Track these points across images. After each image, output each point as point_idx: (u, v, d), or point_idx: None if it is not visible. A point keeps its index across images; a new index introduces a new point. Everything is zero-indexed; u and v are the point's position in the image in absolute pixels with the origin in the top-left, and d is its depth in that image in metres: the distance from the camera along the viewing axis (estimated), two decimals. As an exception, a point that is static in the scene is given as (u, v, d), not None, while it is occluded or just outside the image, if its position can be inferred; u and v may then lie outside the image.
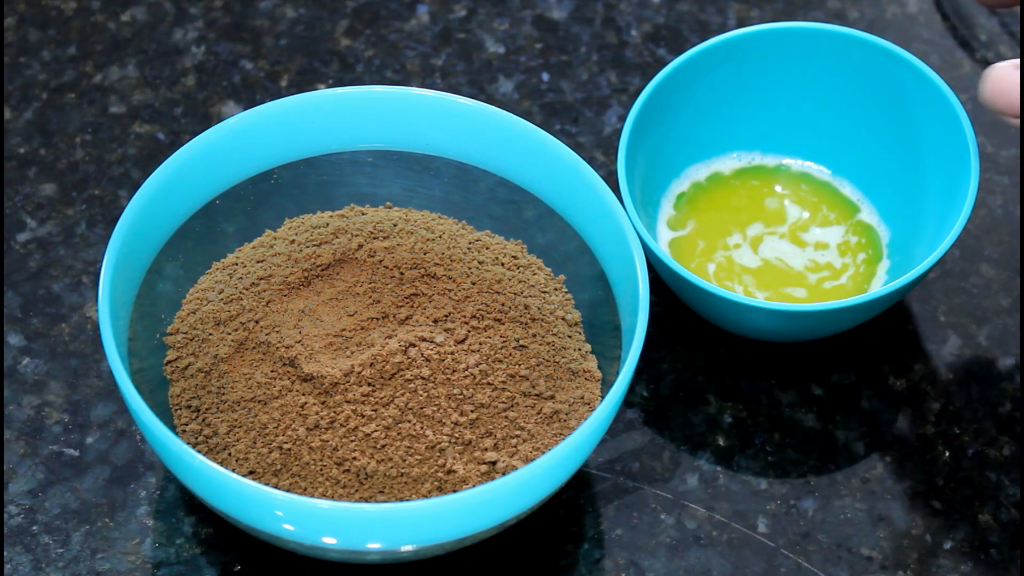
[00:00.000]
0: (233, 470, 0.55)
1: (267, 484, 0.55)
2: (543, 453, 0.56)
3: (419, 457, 0.55)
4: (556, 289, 0.61)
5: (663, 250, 0.61)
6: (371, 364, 0.56)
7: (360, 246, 0.60)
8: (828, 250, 0.65)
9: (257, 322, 0.58)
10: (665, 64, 0.65)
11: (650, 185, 0.65)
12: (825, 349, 0.65)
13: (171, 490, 0.60)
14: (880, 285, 0.64)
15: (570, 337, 0.60)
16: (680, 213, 0.66)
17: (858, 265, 0.65)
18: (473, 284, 0.59)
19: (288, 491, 0.55)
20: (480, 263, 0.60)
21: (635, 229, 0.58)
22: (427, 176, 0.63)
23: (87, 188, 0.68)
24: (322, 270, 0.60)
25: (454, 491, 0.55)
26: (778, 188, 0.67)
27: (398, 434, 0.55)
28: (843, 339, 0.65)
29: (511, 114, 0.61)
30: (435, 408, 0.56)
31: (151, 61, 0.73)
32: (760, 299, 0.62)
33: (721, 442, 0.62)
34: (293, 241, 0.61)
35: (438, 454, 0.55)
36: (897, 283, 0.59)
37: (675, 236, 0.66)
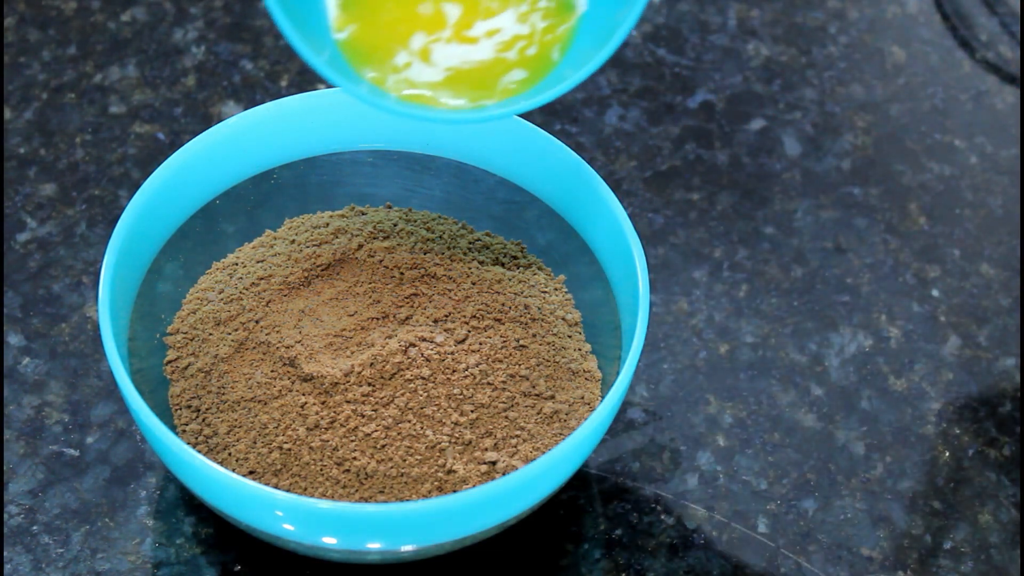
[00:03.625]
0: (233, 470, 0.55)
1: (267, 484, 0.55)
2: (543, 453, 0.56)
3: (419, 457, 0.55)
4: (556, 289, 0.61)
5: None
6: (371, 364, 0.56)
7: (360, 246, 0.60)
8: (504, 31, 0.56)
9: (257, 322, 0.58)
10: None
11: None
12: (824, 349, 0.65)
13: (171, 490, 0.60)
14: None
15: (570, 337, 0.60)
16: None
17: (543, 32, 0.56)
18: (473, 284, 0.59)
19: (288, 491, 0.55)
20: (480, 263, 0.60)
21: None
22: (427, 176, 0.63)
23: (87, 188, 0.68)
24: (322, 270, 0.60)
25: (454, 491, 0.55)
26: None
27: (398, 434, 0.55)
28: (843, 338, 0.65)
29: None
30: (435, 408, 0.56)
31: (151, 61, 0.73)
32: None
33: (721, 442, 0.62)
34: (293, 241, 0.61)
35: (438, 454, 0.55)
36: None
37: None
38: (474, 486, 0.54)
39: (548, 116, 0.71)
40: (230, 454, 0.56)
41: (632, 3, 0.53)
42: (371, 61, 0.55)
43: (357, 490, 0.55)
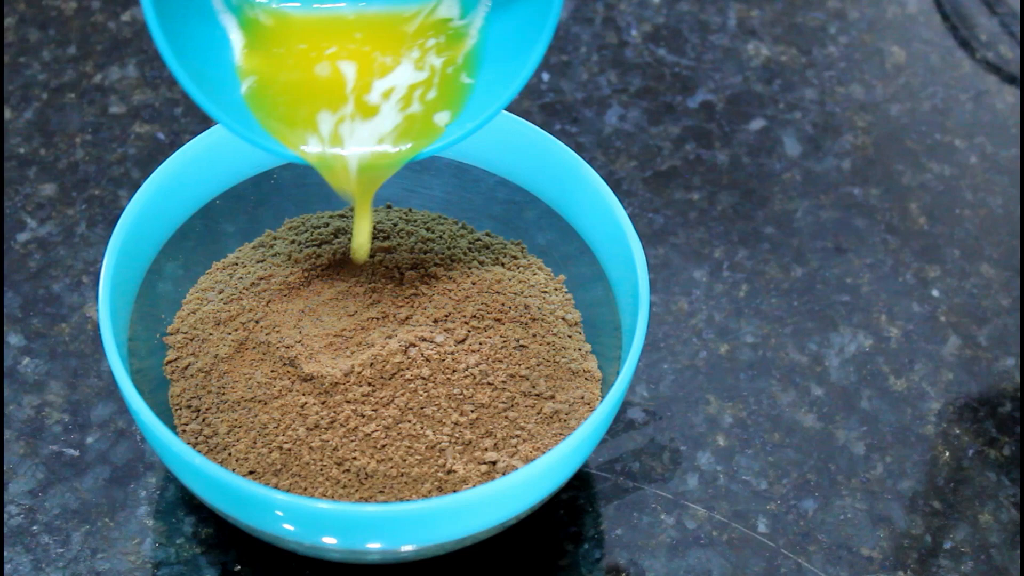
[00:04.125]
0: (233, 470, 0.55)
1: (267, 484, 0.55)
2: (543, 453, 0.56)
3: (419, 457, 0.55)
4: (556, 289, 0.61)
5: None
6: (371, 364, 0.56)
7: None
8: (398, 88, 0.55)
9: (257, 322, 0.58)
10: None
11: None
12: (824, 349, 0.65)
13: (171, 490, 0.60)
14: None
15: (570, 337, 0.60)
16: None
17: (442, 70, 0.55)
18: (473, 284, 0.59)
19: (288, 491, 0.55)
20: (480, 263, 0.60)
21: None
22: (427, 176, 0.63)
23: (87, 188, 0.68)
24: (322, 270, 0.60)
25: (454, 491, 0.55)
26: (329, 51, 0.55)
27: (398, 434, 0.55)
28: (843, 338, 0.65)
29: (511, 114, 0.61)
30: (435, 408, 0.56)
31: (151, 61, 0.73)
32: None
33: (721, 442, 0.62)
34: (293, 241, 0.61)
35: (438, 454, 0.55)
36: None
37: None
38: (474, 486, 0.54)
39: (548, 116, 0.71)
40: (230, 454, 0.56)
41: (548, 5, 0.52)
42: (280, 126, 0.55)
43: (357, 490, 0.55)
